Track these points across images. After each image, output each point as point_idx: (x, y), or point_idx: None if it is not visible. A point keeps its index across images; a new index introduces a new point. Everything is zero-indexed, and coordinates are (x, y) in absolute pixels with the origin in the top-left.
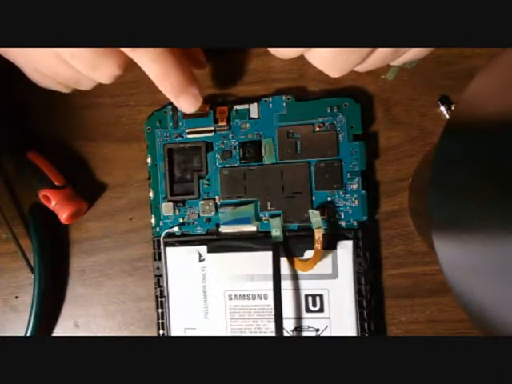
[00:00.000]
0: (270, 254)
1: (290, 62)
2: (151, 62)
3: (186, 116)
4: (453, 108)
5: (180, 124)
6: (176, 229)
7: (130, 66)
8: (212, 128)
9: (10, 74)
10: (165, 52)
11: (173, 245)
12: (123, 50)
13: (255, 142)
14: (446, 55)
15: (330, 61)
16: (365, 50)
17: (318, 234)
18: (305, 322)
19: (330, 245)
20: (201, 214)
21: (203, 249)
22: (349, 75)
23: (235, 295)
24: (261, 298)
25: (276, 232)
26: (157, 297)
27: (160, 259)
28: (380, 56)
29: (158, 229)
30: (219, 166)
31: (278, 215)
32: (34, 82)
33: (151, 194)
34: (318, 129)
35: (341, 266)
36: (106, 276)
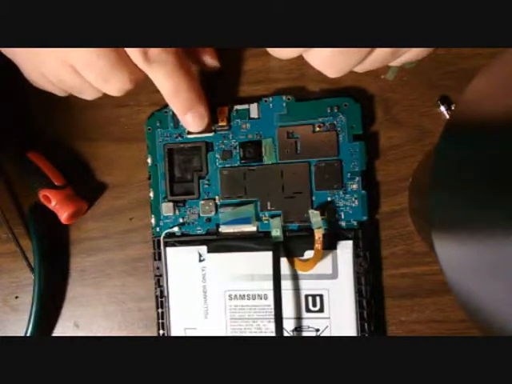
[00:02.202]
0: (270, 254)
1: (289, 62)
2: (165, 78)
3: None
4: (453, 108)
5: (180, 124)
6: (176, 229)
7: (141, 80)
8: (212, 128)
9: (10, 74)
10: (178, 69)
11: (173, 245)
12: (138, 65)
13: (255, 142)
14: (446, 55)
15: (329, 61)
16: (364, 51)
17: (318, 234)
18: (305, 322)
19: (330, 245)
20: (201, 214)
21: (203, 249)
22: (349, 75)
23: (235, 295)
24: (261, 298)
25: (276, 232)
26: (157, 297)
27: (160, 259)
28: (379, 56)
29: (158, 229)
30: (219, 166)
31: (278, 215)
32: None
33: (151, 194)
34: (318, 129)
35: (341, 265)
36: (105, 276)
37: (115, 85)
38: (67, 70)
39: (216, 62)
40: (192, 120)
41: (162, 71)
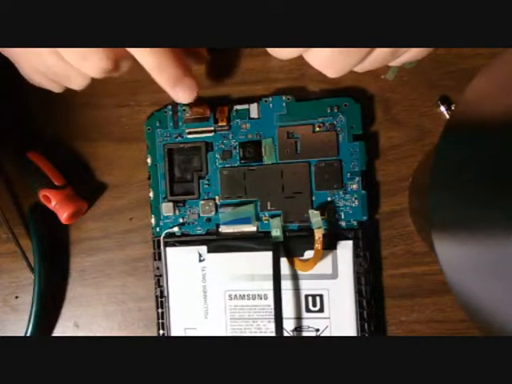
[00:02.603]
0: (270, 254)
1: (289, 62)
2: (147, 55)
3: (186, 120)
4: (453, 108)
5: (180, 124)
6: (176, 229)
7: (122, 59)
8: (212, 128)
9: (10, 74)
10: None
11: (173, 245)
12: None
13: (255, 142)
14: (446, 55)
15: (328, 61)
16: (363, 51)
17: (318, 234)
18: (305, 322)
19: (330, 245)
20: (201, 214)
21: (203, 249)
22: (349, 75)
23: (235, 295)
24: (261, 298)
25: (276, 232)
26: (157, 297)
27: (160, 259)
28: (378, 56)
29: (158, 229)
30: (219, 166)
31: (278, 215)
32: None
33: (151, 194)
34: (318, 129)
35: (341, 265)
36: (105, 276)
37: (94, 62)
38: (52, 55)
39: (205, 56)
40: (182, 93)
41: (142, 48)
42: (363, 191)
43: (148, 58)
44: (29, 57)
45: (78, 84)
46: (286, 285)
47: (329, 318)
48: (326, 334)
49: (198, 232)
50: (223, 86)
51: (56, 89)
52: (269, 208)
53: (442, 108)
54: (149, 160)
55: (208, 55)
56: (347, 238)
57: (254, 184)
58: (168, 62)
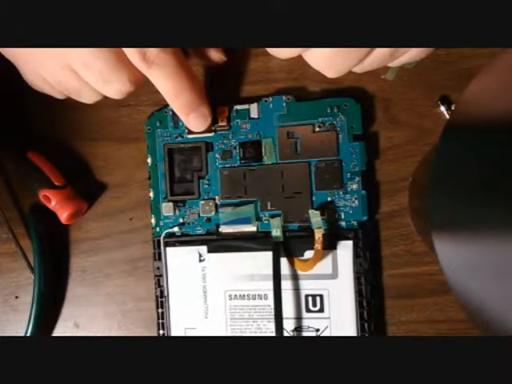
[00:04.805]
0: (270, 254)
1: (289, 62)
2: (165, 80)
3: None
4: (453, 108)
5: (180, 124)
6: (176, 229)
7: (142, 81)
8: (212, 128)
9: (10, 74)
10: (178, 70)
11: (173, 245)
12: (137, 67)
13: (255, 142)
14: (446, 55)
15: (328, 61)
16: (363, 51)
17: (318, 234)
18: (305, 322)
19: (330, 245)
20: (201, 214)
21: (203, 249)
22: (349, 75)
23: (235, 295)
24: (261, 298)
25: (276, 232)
26: (157, 297)
27: (160, 259)
28: (377, 57)
29: (158, 229)
30: (219, 166)
31: (278, 215)
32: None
33: (151, 194)
34: (318, 129)
35: (341, 266)
36: (106, 276)
37: (115, 86)
38: (66, 72)
39: (222, 56)
40: (194, 121)
41: (161, 74)
42: (363, 191)
43: (166, 84)
44: (40, 69)
45: (88, 99)
46: (286, 285)
47: (329, 318)
48: (326, 333)
49: (198, 232)
50: (223, 86)
51: (59, 96)
52: (269, 208)
53: (442, 108)
54: (149, 160)
55: (224, 56)
56: (347, 238)
57: (254, 184)
58: (184, 88)
